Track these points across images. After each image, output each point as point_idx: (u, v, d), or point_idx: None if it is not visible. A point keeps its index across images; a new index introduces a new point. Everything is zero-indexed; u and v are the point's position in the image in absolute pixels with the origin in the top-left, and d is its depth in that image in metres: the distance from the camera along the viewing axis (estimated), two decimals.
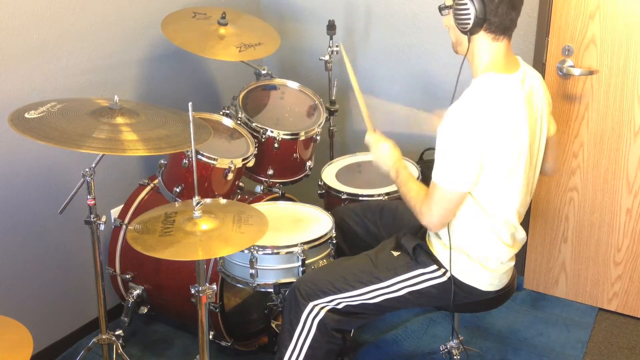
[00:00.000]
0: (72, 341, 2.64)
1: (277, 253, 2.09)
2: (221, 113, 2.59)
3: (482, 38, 1.85)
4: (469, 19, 1.82)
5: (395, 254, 2.04)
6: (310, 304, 1.96)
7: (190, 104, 1.71)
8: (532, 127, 1.89)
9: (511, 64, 1.90)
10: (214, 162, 2.32)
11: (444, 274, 1.98)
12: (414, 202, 1.94)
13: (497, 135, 1.81)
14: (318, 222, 2.26)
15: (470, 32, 1.84)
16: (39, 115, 1.88)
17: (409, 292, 1.99)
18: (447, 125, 1.82)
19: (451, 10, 1.86)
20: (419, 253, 2.00)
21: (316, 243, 2.12)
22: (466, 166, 1.82)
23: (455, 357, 2.34)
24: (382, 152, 2.11)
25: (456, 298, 1.98)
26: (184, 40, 2.49)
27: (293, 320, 1.98)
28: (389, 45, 3.09)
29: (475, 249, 1.95)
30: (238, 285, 2.17)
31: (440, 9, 1.91)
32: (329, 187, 2.60)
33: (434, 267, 1.99)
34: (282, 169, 2.66)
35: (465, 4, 1.80)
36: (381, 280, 1.98)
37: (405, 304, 2.05)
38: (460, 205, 1.89)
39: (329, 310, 1.97)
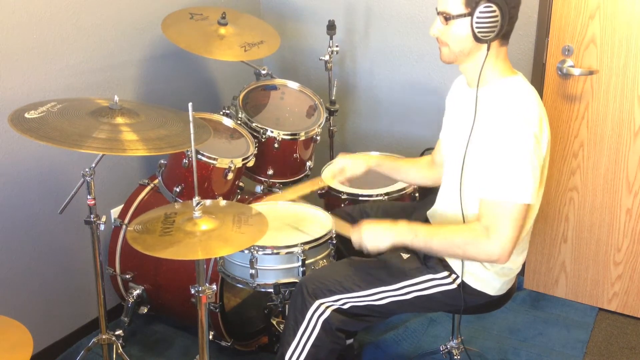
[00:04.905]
0: (72, 341, 2.64)
1: (277, 253, 2.08)
2: (221, 113, 2.59)
3: (493, 45, 1.84)
4: (496, 27, 1.78)
5: (405, 256, 2.03)
6: (317, 302, 1.96)
7: (190, 104, 1.71)
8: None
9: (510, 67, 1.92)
10: (214, 162, 2.32)
11: (454, 280, 1.97)
12: (467, 239, 1.83)
13: (547, 138, 1.83)
14: (318, 222, 2.26)
15: (491, 41, 1.80)
16: (39, 115, 1.88)
17: (416, 297, 1.98)
18: (514, 137, 1.77)
19: (463, 18, 1.79)
20: (430, 257, 1.98)
21: (316, 243, 2.12)
22: (536, 175, 1.79)
23: (455, 357, 2.34)
24: (374, 233, 1.94)
25: (463, 302, 1.98)
26: (187, 42, 2.49)
27: (298, 318, 1.97)
28: (388, 45, 3.09)
29: None
30: (238, 285, 2.17)
31: (447, 18, 1.81)
32: (329, 187, 2.60)
33: (445, 273, 1.97)
34: (282, 169, 2.66)
35: (494, 11, 1.76)
36: (389, 283, 1.97)
37: (412, 308, 2.03)
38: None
39: (335, 310, 1.96)
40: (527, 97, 1.85)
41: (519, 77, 1.90)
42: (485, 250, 1.82)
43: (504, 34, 1.83)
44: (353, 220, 2.30)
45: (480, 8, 1.76)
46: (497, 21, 1.78)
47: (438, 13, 1.85)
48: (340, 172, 2.29)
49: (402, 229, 1.93)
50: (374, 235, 1.94)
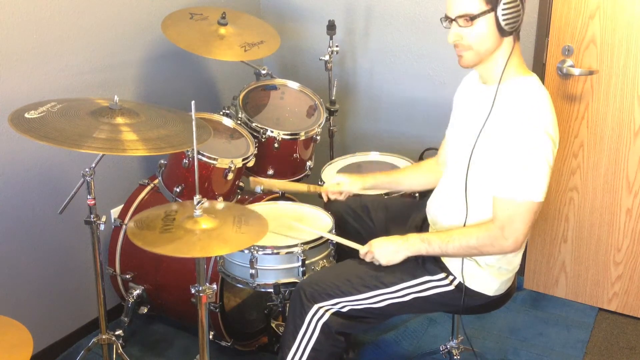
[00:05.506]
0: (72, 341, 2.64)
1: (277, 253, 2.08)
2: (221, 113, 2.59)
3: (511, 40, 1.85)
4: (519, 16, 1.81)
5: None
6: (315, 306, 1.95)
7: (193, 102, 1.71)
8: None
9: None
10: (214, 162, 2.32)
11: (452, 282, 1.98)
12: (483, 241, 1.86)
13: (558, 139, 1.86)
14: (318, 222, 2.26)
15: (515, 31, 1.82)
16: (39, 115, 1.88)
17: (414, 298, 1.98)
18: (532, 137, 1.78)
19: (485, 15, 1.79)
20: (427, 259, 1.99)
21: (316, 243, 2.12)
22: (548, 173, 1.81)
23: (455, 357, 2.34)
24: (386, 250, 1.97)
25: (461, 302, 1.98)
26: (187, 42, 2.49)
27: (297, 322, 1.97)
28: (388, 45, 3.09)
29: (487, 257, 1.95)
30: (238, 285, 2.17)
31: (472, 18, 1.79)
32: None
33: (442, 275, 1.98)
34: (282, 169, 2.66)
35: (517, 3, 1.79)
36: (387, 286, 1.97)
37: (411, 309, 2.04)
38: None
39: (334, 314, 1.96)
40: (544, 99, 1.85)
41: (535, 78, 1.90)
42: (500, 247, 1.86)
43: (519, 28, 1.85)
44: (355, 214, 2.31)
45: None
46: (519, 10, 1.80)
47: (455, 19, 1.83)
48: (337, 185, 2.29)
49: (414, 241, 1.95)
50: (387, 252, 1.97)
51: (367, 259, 2.01)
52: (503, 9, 1.78)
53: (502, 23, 1.79)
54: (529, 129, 1.78)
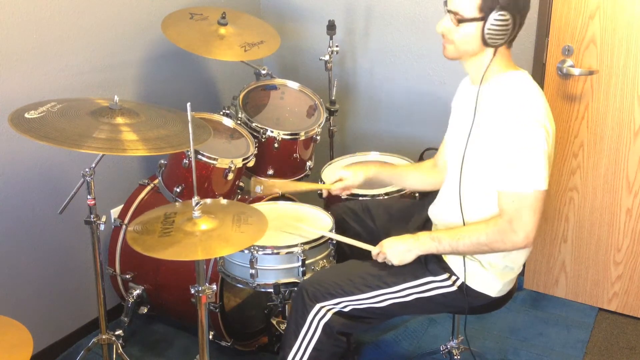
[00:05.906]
0: (72, 341, 2.65)
1: (277, 253, 2.08)
2: (221, 113, 2.59)
3: (500, 48, 1.86)
4: (506, 34, 1.81)
5: None
6: (317, 306, 1.95)
7: (188, 104, 1.71)
8: None
9: None
10: (214, 162, 2.32)
11: (454, 282, 1.97)
12: (493, 237, 1.84)
13: (552, 128, 1.85)
14: (318, 223, 2.26)
15: (498, 46, 1.84)
16: (39, 115, 1.88)
17: (416, 299, 1.98)
18: (525, 127, 1.78)
19: (477, 22, 1.80)
20: (430, 260, 1.99)
21: (316, 243, 2.12)
22: (546, 159, 1.81)
23: (455, 357, 2.34)
24: (398, 249, 1.97)
25: (464, 303, 1.98)
26: (187, 42, 2.49)
27: (299, 321, 1.97)
28: (388, 45, 3.09)
29: (492, 256, 1.95)
30: (238, 285, 2.17)
31: (459, 20, 1.81)
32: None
33: (445, 275, 1.97)
34: (282, 169, 2.66)
35: (507, 19, 1.78)
36: (389, 285, 1.97)
37: (413, 310, 2.03)
38: None
39: (335, 313, 1.96)
40: (531, 89, 1.86)
41: (521, 72, 1.91)
42: (511, 242, 1.84)
43: (512, 39, 1.86)
44: (355, 215, 2.31)
45: (494, 15, 1.78)
46: (508, 29, 1.80)
47: (448, 11, 1.85)
48: (338, 180, 2.29)
49: (424, 240, 1.95)
50: (399, 252, 1.97)
51: (379, 260, 2.01)
52: (492, 23, 1.79)
53: (486, 37, 1.80)
54: (517, 120, 1.79)
